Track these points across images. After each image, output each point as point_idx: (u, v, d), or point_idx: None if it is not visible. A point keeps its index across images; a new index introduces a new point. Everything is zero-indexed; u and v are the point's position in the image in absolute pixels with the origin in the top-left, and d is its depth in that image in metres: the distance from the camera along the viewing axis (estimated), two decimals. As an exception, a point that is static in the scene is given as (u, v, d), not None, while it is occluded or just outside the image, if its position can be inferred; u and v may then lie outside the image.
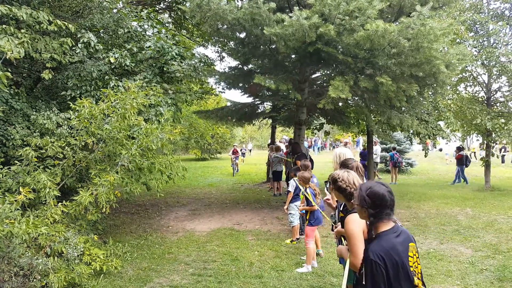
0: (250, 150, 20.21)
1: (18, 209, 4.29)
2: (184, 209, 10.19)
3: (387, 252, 2.08)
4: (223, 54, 12.63)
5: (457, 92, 14.45)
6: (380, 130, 11.14)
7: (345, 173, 2.97)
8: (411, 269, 2.15)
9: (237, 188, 14.07)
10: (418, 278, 2.18)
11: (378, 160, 16.71)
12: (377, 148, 16.71)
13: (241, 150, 22.86)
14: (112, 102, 6.02)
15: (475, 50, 13.40)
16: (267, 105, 13.30)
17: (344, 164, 3.64)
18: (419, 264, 2.22)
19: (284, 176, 12.46)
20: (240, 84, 11.00)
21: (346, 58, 7.65)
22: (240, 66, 11.07)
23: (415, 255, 2.20)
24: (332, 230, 4.73)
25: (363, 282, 2.11)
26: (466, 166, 16.45)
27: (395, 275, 2.08)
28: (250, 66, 10.78)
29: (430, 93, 10.67)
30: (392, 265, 2.07)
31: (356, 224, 2.70)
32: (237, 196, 12.21)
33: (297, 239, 7.22)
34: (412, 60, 7.40)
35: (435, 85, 8.87)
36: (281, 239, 7.40)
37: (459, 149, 16.69)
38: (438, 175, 19.06)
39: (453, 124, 12.84)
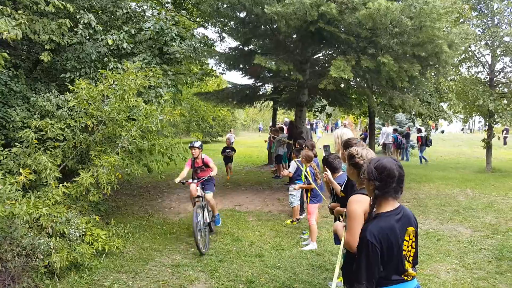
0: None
1: (19, 190, 4.31)
2: (186, 191, 10.19)
3: (384, 233, 2.08)
4: (223, 34, 12.44)
5: (459, 73, 14.29)
6: (382, 111, 11.06)
7: (364, 150, 2.88)
8: (404, 252, 2.15)
9: (239, 170, 14.11)
10: (409, 262, 2.19)
11: (390, 140, 16.60)
12: (387, 130, 16.61)
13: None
14: (111, 84, 5.98)
15: (479, 30, 13.19)
16: (268, 87, 13.19)
17: (348, 144, 3.53)
18: (413, 248, 2.21)
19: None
20: (241, 66, 10.89)
21: (348, 37, 7.54)
22: (240, 46, 10.93)
23: (411, 239, 2.19)
24: (331, 213, 4.77)
25: (357, 261, 2.12)
26: (428, 146, 16.99)
27: (389, 257, 2.09)
28: (250, 46, 10.65)
29: (432, 74, 10.57)
30: (387, 247, 2.07)
31: (359, 205, 2.64)
32: (238, 178, 12.26)
33: (298, 219, 7.28)
34: (414, 40, 7.30)
35: (437, 65, 8.77)
36: (281, 220, 7.46)
37: (419, 131, 17.04)
38: (439, 157, 19.05)
39: (456, 106, 12.75)
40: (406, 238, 2.15)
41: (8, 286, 4.31)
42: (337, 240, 4.21)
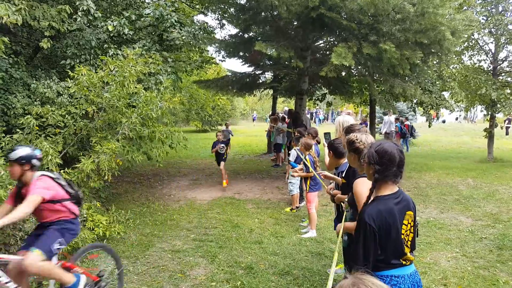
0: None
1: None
2: (186, 179, 10.27)
3: (382, 216, 2.08)
4: (223, 21, 12.32)
5: (462, 61, 14.19)
6: (384, 99, 11.01)
7: (363, 135, 2.87)
8: (402, 236, 2.16)
9: (238, 159, 14.12)
10: (407, 246, 2.19)
11: (392, 128, 16.58)
12: (389, 119, 16.54)
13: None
14: (111, 70, 5.96)
15: (483, 18, 13.05)
16: (268, 75, 13.11)
17: (350, 130, 3.50)
18: (411, 232, 2.22)
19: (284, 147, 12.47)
20: (241, 53, 10.81)
21: (350, 24, 7.47)
22: (240, 33, 10.83)
23: (410, 223, 2.19)
24: (332, 200, 4.77)
25: (355, 243, 2.13)
26: (412, 137, 17.89)
27: (387, 240, 2.09)
28: (250, 33, 10.55)
29: (434, 62, 10.49)
30: (385, 230, 2.08)
31: (365, 186, 2.65)
32: (237, 167, 12.27)
33: (297, 207, 7.30)
34: (416, 26, 7.23)
35: (440, 53, 8.70)
36: (281, 208, 7.49)
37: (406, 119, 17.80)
38: (440, 146, 19.02)
39: (458, 94, 12.68)
40: (405, 222, 2.16)
41: (11, 270, 4.34)
42: (336, 226, 4.23)
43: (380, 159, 2.12)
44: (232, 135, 12.69)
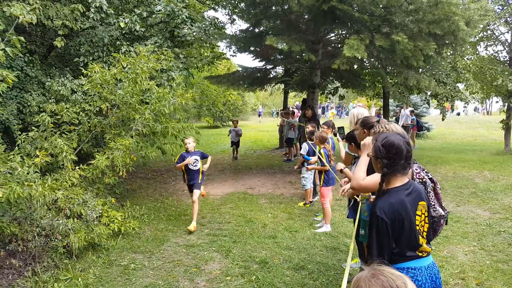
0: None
1: (36, 172, 4.39)
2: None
3: (394, 208, 2.05)
4: (234, 16, 12.29)
5: (477, 52, 13.89)
6: (398, 92, 10.84)
7: (391, 125, 2.78)
8: (417, 227, 2.12)
9: (250, 154, 14.13)
10: (423, 237, 2.16)
11: (409, 121, 16.35)
12: (406, 112, 16.29)
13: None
14: (123, 67, 6.00)
15: (498, 8, 12.74)
16: (279, 69, 13.05)
17: (366, 122, 3.38)
18: (426, 223, 2.18)
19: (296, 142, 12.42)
20: (252, 48, 10.77)
21: (362, 16, 7.37)
22: (251, 28, 10.79)
23: (423, 213, 2.16)
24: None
25: (369, 237, 2.11)
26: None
27: (401, 232, 2.06)
28: (261, 28, 10.49)
29: (448, 53, 10.30)
30: (398, 222, 2.05)
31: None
32: (249, 162, 12.28)
33: (310, 202, 7.27)
34: (430, 17, 7.09)
35: (454, 43, 8.53)
36: (294, 202, 7.48)
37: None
38: (455, 139, 18.74)
39: (473, 86, 12.45)
40: (418, 212, 2.12)
41: (30, 265, 4.45)
42: (350, 214, 4.17)
43: (387, 153, 2.08)
44: (241, 135, 12.50)
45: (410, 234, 2.08)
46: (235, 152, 12.73)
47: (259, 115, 37.10)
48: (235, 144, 12.43)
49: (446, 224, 2.62)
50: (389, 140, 2.10)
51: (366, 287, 1.12)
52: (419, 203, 2.14)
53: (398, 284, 1.10)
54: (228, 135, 12.69)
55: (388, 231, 2.03)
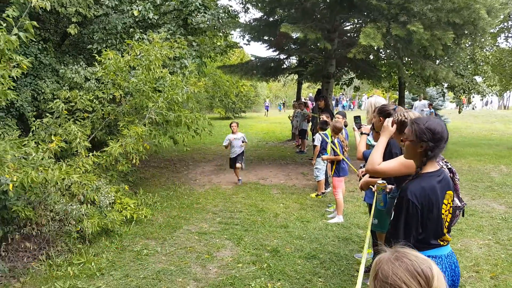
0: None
1: (51, 157, 4.43)
2: (210, 164, 10.33)
3: (425, 193, 1.99)
4: (248, 5, 12.16)
5: (497, 43, 13.54)
6: (414, 83, 10.60)
7: (410, 113, 2.70)
8: (442, 216, 2.08)
9: (262, 145, 14.09)
10: (445, 227, 2.12)
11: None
12: (419, 104, 16.02)
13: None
14: (137, 54, 5.99)
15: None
16: (293, 59, 12.91)
17: (383, 110, 3.29)
18: (450, 213, 2.14)
19: (310, 133, 12.32)
20: (266, 37, 10.66)
21: (379, 3, 7.20)
22: (265, 17, 10.66)
23: (449, 203, 2.11)
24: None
25: (396, 220, 2.05)
26: None
27: (429, 218, 2.01)
28: (275, 17, 10.37)
29: (467, 44, 10.05)
30: (428, 208, 2.00)
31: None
32: (262, 153, 12.24)
33: (323, 193, 7.21)
34: (449, 5, 6.90)
35: (473, 34, 8.30)
36: (306, 193, 7.42)
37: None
38: (471, 133, 18.38)
39: (491, 78, 12.17)
40: (445, 201, 2.07)
41: (44, 248, 4.51)
42: (366, 197, 4.09)
43: (433, 135, 2.00)
44: (246, 142, 8.23)
45: (437, 221, 2.04)
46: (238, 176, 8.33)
47: (266, 109, 32.37)
48: (239, 158, 8.00)
49: (463, 215, 2.55)
50: (433, 124, 2.03)
51: (389, 269, 1.05)
52: (447, 192, 2.09)
53: (423, 268, 1.03)
54: (226, 147, 8.17)
55: (417, 216, 1.98)
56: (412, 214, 1.97)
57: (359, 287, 2.10)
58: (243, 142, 8.04)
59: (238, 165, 7.96)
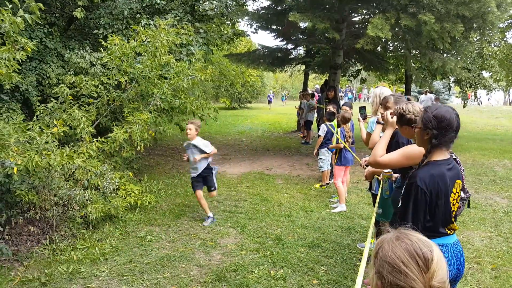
0: None
1: (54, 141, 4.42)
2: (215, 154, 10.29)
3: (435, 181, 1.98)
4: (256, -7, 12.06)
5: (505, 38, 13.38)
6: (421, 76, 10.49)
7: (409, 105, 2.70)
8: (450, 204, 2.07)
9: (267, 136, 14.06)
10: (453, 216, 2.11)
11: None
12: (425, 97, 15.89)
13: None
14: (143, 40, 5.94)
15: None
16: (300, 50, 12.80)
17: (389, 101, 3.36)
18: (457, 202, 2.13)
19: (315, 125, 12.27)
20: (273, 26, 10.54)
21: (389, -6, 7.10)
22: (273, 5, 10.53)
23: (457, 192, 2.10)
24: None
25: (404, 207, 2.03)
26: None
27: (437, 205, 2.00)
28: (284, 5, 10.23)
29: (475, 39, 9.92)
30: (437, 195, 1.99)
31: (417, 152, 2.42)
32: (267, 144, 12.22)
33: (327, 183, 7.20)
34: (459, -2, 6.78)
35: (482, 27, 8.17)
36: (310, 184, 7.41)
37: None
38: (476, 128, 18.26)
39: (498, 73, 12.04)
40: (454, 190, 2.06)
41: (47, 233, 4.52)
42: (377, 188, 4.07)
43: (439, 123, 1.99)
44: (211, 152, 5.62)
45: (445, 209, 2.03)
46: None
47: (269, 102, 29.86)
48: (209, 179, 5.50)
49: (468, 206, 2.54)
50: (441, 112, 2.01)
51: (388, 248, 1.04)
52: (456, 181, 2.08)
53: (423, 250, 1.02)
54: (187, 160, 5.67)
55: (426, 202, 1.97)
56: (421, 201, 1.97)
57: (361, 277, 2.09)
58: (202, 153, 5.42)
59: (213, 193, 5.47)
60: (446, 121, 1.99)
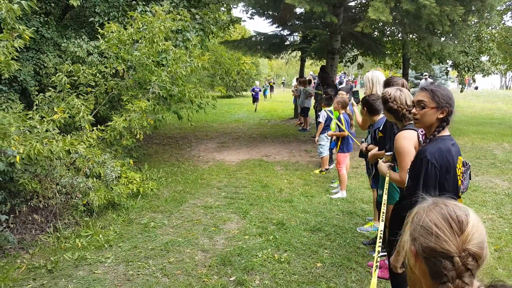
0: None
1: (54, 129, 4.40)
2: (213, 142, 10.33)
3: (443, 154, 2.04)
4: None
5: (503, 21, 13.34)
6: (420, 58, 10.46)
7: (397, 92, 2.74)
8: (458, 177, 2.13)
9: (264, 123, 14.06)
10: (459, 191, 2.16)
11: None
12: (426, 82, 15.86)
13: None
14: (140, 27, 5.89)
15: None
16: (296, 36, 12.70)
17: (389, 83, 3.36)
18: (460, 178, 2.18)
19: (312, 111, 12.26)
20: (269, 12, 10.44)
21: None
22: (269, -9, 10.41)
23: (460, 169, 2.15)
24: (360, 156, 4.66)
25: (414, 181, 2.07)
26: None
27: (446, 180, 2.05)
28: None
29: (473, 22, 9.87)
30: (445, 168, 2.04)
31: (408, 141, 2.59)
32: (264, 131, 12.22)
33: (327, 169, 7.22)
34: (459, -20, 6.73)
35: (481, 10, 8.13)
36: (310, 170, 7.44)
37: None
38: (473, 112, 18.31)
39: (496, 56, 12.04)
40: (458, 166, 2.10)
41: (51, 221, 4.53)
42: (374, 184, 4.14)
43: (450, 100, 2.05)
44: None
45: (453, 182, 2.08)
46: None
47: (254, 99, 18.61)
48: None
49: (470, 178, 2.61)
50: (446, 89, 2.10)
51: (423, 213, 1.04)
52: (459, 157, 2.13)
53: (458, 214, 1.00)
54: None
55: (436, 176, 2.02)
56: (431, 175, 2.01)
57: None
58: None
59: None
60: (453, 98, 2.07)
